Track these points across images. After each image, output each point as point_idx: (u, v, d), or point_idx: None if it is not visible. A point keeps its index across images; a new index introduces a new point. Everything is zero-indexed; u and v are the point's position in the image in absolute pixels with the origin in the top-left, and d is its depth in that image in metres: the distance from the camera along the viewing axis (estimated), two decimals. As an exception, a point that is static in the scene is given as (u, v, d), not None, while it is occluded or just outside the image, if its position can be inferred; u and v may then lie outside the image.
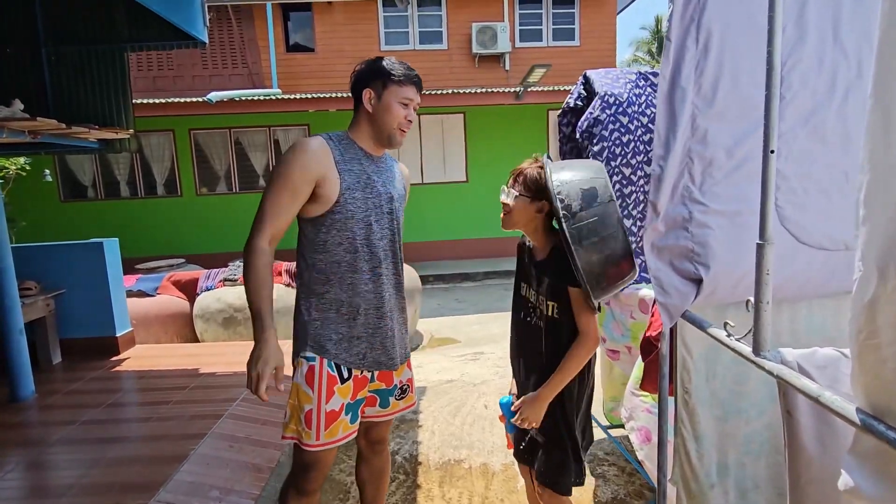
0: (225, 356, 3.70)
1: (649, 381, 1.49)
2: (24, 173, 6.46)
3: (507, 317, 1.77)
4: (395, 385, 1.63)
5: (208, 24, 4.05)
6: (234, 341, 4.36)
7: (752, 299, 0.90)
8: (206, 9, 3.94)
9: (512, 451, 1.67)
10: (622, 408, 1.96)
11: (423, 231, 8.75)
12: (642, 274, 2.31)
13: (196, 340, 4.44)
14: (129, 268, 4.65)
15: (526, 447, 1.58)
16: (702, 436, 1.37)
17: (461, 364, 4.15)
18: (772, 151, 0.87)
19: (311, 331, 1.46)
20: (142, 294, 4.51)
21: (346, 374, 1.48)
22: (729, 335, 1.00)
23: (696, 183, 1.20)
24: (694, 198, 1.19)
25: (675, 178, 1.21)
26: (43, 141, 3.53)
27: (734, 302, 1.27)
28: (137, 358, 3.83)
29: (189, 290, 4.56)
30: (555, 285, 1.43)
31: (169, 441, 2.47)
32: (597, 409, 2.90)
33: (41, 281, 3.70)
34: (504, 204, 1.49)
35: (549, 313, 1.45)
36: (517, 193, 1.46)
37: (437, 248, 8.83)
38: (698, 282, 1.19)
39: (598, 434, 2.76)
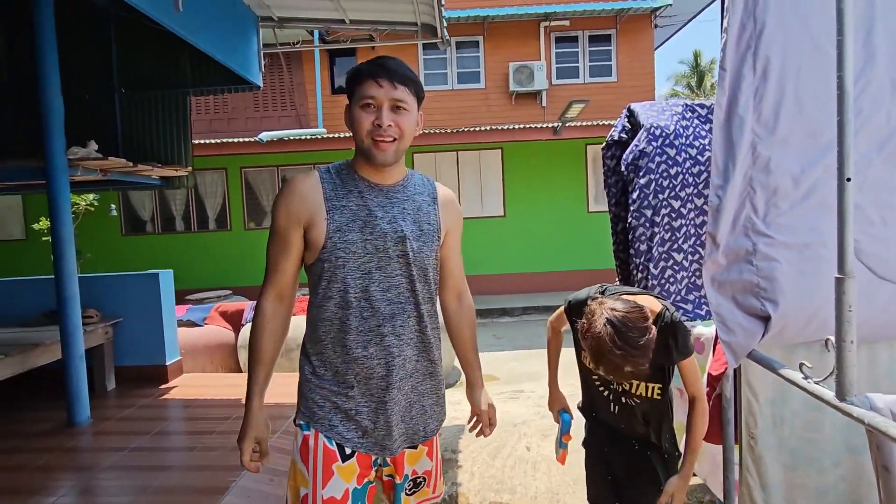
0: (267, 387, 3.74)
1: (713, 430, 1.38)
2: (91, 209, 6.96)
3: (545, 354, 1.66)
4: (406, 476, 1.24)
5: (263, 69, 4.33)
6: (275, 372, 4.41)
7: (831, 338, 0.82)
8: (262, 56, 4.23)
9: (561, 463, 1.54)
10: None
11: (460, 265, 8.73)
12: (695, 310, 2.20)
13: (240, 370, 4.53)
14: (180, 298, 4.85)
15: (603, 486, 1.47)
16: (769, 485, 1.25)
17: (500, 402, 4.02)
18: (848, 179, 0.81)
19: (306, 392, 1.20)
20: (191, 324, 4.68)
21: (347, 451, 1.17)
22: (806, 377, 0.92)
23: (759, 214, 1.14)
24: (758, 229, 1.13)
25: (736, 208, 1.16)
26: (111, 179, 3.81)
27: (805, 341, 1.18)
28: (185, 387, 3.93)
29: (235, 320, 4.69)
30: (660, 367, 1.25)
31: (212, 472, 2.48)
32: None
33: (101, 309, 3.90)
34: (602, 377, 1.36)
35: (650, 395, 1.29)
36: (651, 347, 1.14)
37: (474, 283, 8.73)
38: (765, 319, 1.11)
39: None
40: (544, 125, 8.22)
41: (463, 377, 5.50)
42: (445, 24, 4.12)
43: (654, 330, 1.09)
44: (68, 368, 3.12)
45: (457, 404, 4.02)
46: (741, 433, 1.28)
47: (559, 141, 8.50)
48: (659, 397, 1.27)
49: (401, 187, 1.20)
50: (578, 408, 1.56)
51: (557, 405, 1.58)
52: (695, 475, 2.39)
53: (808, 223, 1.10)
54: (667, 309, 1.18)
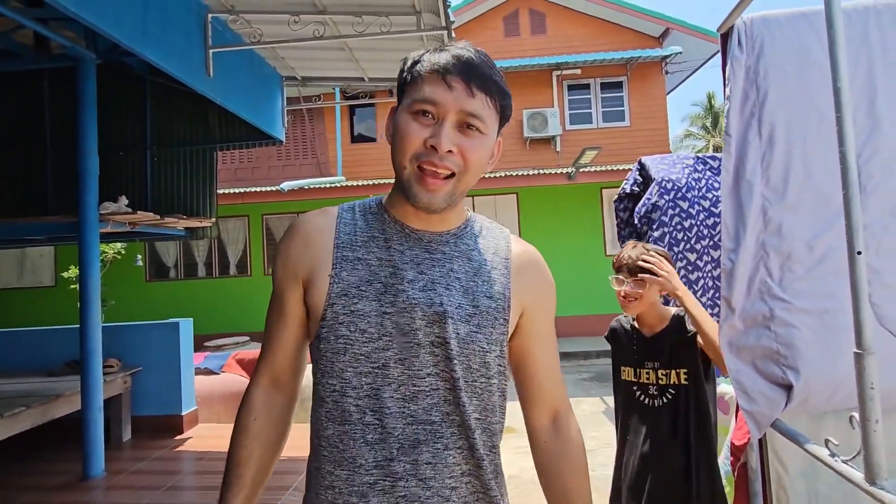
0: (280, 438, 3.69)
1: (739, 501, 1.31)
2: (119, 256, 7.19)
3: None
4: None
5: (286, 125, 4.55)
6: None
7: (856, 415, 0.79)
8: (286, 113, 4.46)
9: None
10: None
11: (477, 309, 8.67)
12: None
13: (254, 420, 4.49)
14: (198, 344, 4.90)
15: None
16: (812, 571, 1.17)
17: (519, 457, 3.88)
18: (858, 253, 0.81)
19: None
20: (208, 372, 4.70)
21: None
22: (833, 455, 0.88)
23: (774, 278, 1.12)
24: (774, 294, 1.12)
25: (750, 272, 1.15)
26: (139, 231, 3.97)
27: (832, 410, 1.14)
28: (200, 438, 3.90)
29: (251, 368, 4.70)
30: (681, 348, 1.49)
31: (221, 531, 2.43)
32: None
33: (122, 358, 3.96)
34: (629, 293, 1.54)
35: (677, 381, 1.49)
36: (648, 285, 1.51)
37: (491, 327, 8.68)
38: (787, 387, 1.08)
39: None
40: (559, 171, 8.33)
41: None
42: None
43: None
44: (86, 420, 3.14)
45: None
46: (772, 507, 1.21)
47: (574, 185, 8.58)
48: (687, 381, 1.47)
49: (453, 238, 0.79)
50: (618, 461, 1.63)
51: None
52: None
53: (825, 289, 1.08)
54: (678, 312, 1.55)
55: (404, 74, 0.76)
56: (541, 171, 8.40)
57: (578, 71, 9.94)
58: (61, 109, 4.10)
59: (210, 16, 3.13)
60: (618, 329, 1.68)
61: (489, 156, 0.76)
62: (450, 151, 0.71)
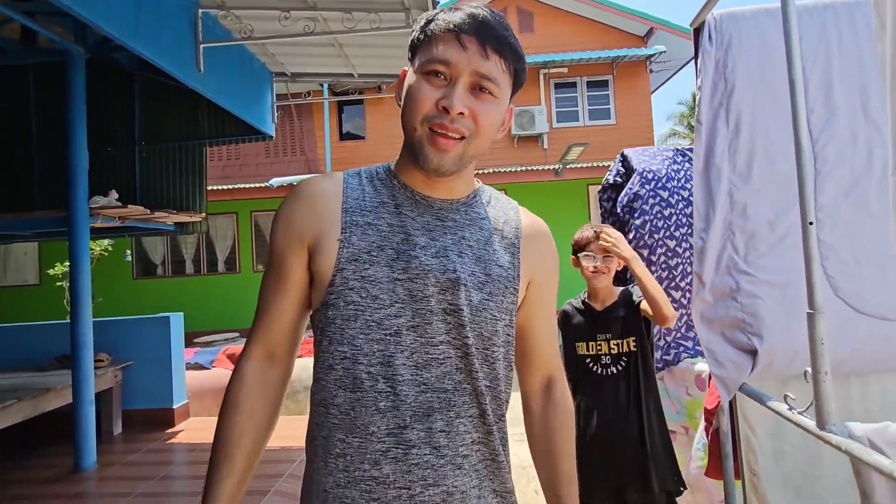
0: None
1: (713, 464, 1.41)
2: (106, 253, 7.14)
3: None
4: None
5: (276, 121, 4.58)
6: (281, 416, 4.40)
7: (809, 370, 0.88)
8: (276, 109, 4.49)
9: None
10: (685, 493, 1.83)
11: (466, 304, 8.78)
12: (696, 347, 2.24)
13: (245, 414, 4.52)
14: (188, 340, 4.92)
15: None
16: (777, 525, 1.26)
17: (511, 444, 3.97)
18: (810, 223, 0.90)
19: (312, 487, 0.74)
20: (199, 367, 4.72)
21: None
22: (791, 409, 0.97)
23: (740, 254, 1.22)
24: (740, 268, 1.21)
25: (719, 249, 1.24)
26: (128, 225, 3.97)
27: (795, 375, 1.23)
28: (191, 430, 3.93)
29: (242, 363, 4.73)
30: (629, 318, 1.70)
31: (217, 516, 2.47)
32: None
33: (112, 353, 3.96)
34: (599, 268, 1.74)
35: (628, 349, 1.70)
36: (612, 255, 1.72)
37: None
38: (753, 353, 1.17)
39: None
40: (546, 167, 8.45)
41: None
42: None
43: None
44: (77, 414, 3.15)
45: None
46: (742, 469, 1.31)
47: (561, 182, 8.71)
48: (636, 349, 1.69)
49: (463, 207, 0.78)
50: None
51: None
52: None
53: (787, 263, 1.18)
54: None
55: (418, 34, 0.73)
56: (528, 168, 8.51)
57: (565, 69, 10.08)
58: (48, 104, 4.08)
59: (200, 11, 3.16)
60: (569, 311, 1.85)
61: (500, 122, 0.74)
62: (461, 114, 0.69)
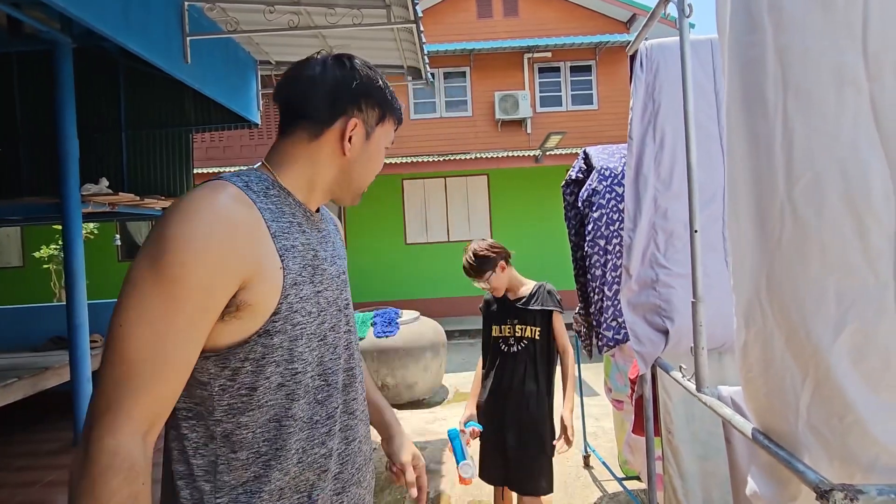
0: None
1: (638, 423, 1.67)
2: (91, 237, 7.19)
3: None
4: None
5: (261, 108, 4.68)
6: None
7: (692, 346, 1.13)
8: (261, 96, 4.59)
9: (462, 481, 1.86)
10: (627, 452, 2.11)
11: (448, 287, 9.03)
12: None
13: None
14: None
15: (497, 468, 2.01)
16: (686, 474, 1.53)
17: (484, 417, 4.26)
18: (695, 231, 1.13)
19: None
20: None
21: None
22: (684, 376, 1.22)
23: (661, 250, 1.45)
24: (660, 263, 1.45)
25: (644, 246, 1.47)
26: (117, 211, 4.09)
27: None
28: (183, 407, 4.13)
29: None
30: (538, 315, 2.01)
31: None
32: (612, 461, 2.98)
33: (104, 334, 4.12)
34: (486, 288, 2.04)
35: (532, 336, 2.01)
36: (490, 273, 2.01)
37: (462, 304, 9.05)
38: (666, 333, 1.42)
39: (614, 486, 2.83)
40: (528, 153, 8.64)
41: (451, 394, 5.65)
42: (429, 67, 4.50)
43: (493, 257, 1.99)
44: (76, 391, 3.33)
45: (442, 420, 4.26)
46: (661, 428, 1.57)
47: (542, 167, 8.92)
48: (538, 337, 1.99)
49: (320, 218, 0.88)
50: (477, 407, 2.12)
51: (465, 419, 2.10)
52: (638, 479, 2.70)
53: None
54: (545, 284, 2.09)
55: (393, 102, 0.87)
56: (510, 154, 8.69)
57: (549, 54, 10.18)
58: (33, 92, 4.13)
59: (187, 4, 3.25)
60: (490, 299, 2.18)
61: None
62: None
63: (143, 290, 0.65)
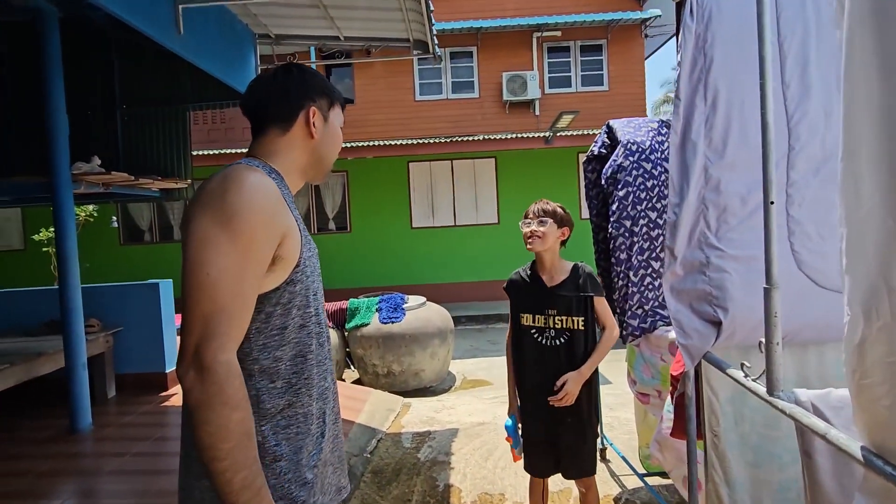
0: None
1: (678, 425, 1.50)
2: (91, 219, 7.05)
3: None
4: None
5: (260, 84, 4.46)
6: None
7: (762, 340, 0.94)
8: (260, 72, 4.37)
9: (521, 463, 1.99)
10: (655, 450, 1.94)
11: (455, 272, 8.86)
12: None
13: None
14: (176, 307, 4.94)
15: (549, 461, 1.93)
16: (734, 481, 1.36)
17: (493, 406, 4.12)
18: (771, 202, 0.94)
19: (273, 482, 0.88)
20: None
21: None
22: (746, 376, 1.04)
23: (711, 229, 1.26)
24: (710, 243, 1.26)
25: (691, 224, 1.28)
26: (112, 192, 3.92)
27: (754, 345, 1.30)
28: (183, 394, 4.01)
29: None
30: (579, 301, 1.82)
31: (211, 475, 2.57)
32: (633, 456, 2.83)
33: (102, 319, 3.99)
34: (534, 230, 1.84)
35: (574, 327, 1.82)
36: (553, 224, 1.84)
37: (469, 290, 8.89)
38: (717, 324, 1.23)
39: (634, 482, 2.68)
40: (537, 134, 8.37)
41: (459, 381, 5.53)
42: (437, 41, 4.26)
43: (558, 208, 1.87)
44: (71, 377, 3.21)
45: (450, 409, 4.12)
46: (704, 430, 1.40)
47: (551, 149, 8.66)
48: (583, 328, 1.82)
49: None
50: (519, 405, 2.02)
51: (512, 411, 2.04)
52: (660, 475, 2.56)
53: (754, 238, 1.22)
54: (583, 266, 1.91)
55: (334, 90, 1.06)
56: (519, 136, 8.43)
57: (559, 33, 9.83)
58: (20, 66, 3.93)
59: (178, -32, 3.02)
60: (517, 280, 1.98)
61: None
62: None
63: (220, 247, 0.83)
